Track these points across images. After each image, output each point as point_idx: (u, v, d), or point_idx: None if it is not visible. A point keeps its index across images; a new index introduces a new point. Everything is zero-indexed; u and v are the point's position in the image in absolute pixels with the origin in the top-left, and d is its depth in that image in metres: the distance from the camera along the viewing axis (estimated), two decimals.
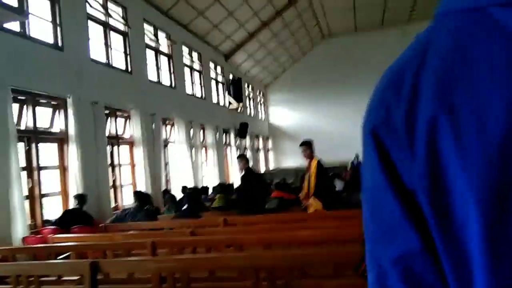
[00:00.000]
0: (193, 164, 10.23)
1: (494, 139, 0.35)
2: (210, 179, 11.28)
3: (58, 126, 6.40)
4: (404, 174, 0.41)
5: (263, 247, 3.01)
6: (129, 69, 8.45)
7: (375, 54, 17.68)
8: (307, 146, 5.49)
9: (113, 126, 7.83)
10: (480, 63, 0.37)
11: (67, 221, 5.04)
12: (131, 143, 8.21)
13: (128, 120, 8.22)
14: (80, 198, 5.52)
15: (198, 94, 11.94)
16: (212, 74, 13.27)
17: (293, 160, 18.23)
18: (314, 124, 18.35)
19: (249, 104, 17.09)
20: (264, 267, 2.26)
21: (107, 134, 7.42)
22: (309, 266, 2.36)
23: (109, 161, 7.40)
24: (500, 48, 0.37)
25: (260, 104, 19.12)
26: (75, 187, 6.21)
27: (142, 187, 8.03)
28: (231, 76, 14.40)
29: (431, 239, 0.40)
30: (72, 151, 6.31)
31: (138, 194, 5.38)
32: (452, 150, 0.37)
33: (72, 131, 6.34)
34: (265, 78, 18.68)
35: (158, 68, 9.68)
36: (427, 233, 0.40)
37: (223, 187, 7.47)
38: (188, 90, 11.21)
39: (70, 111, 6.37)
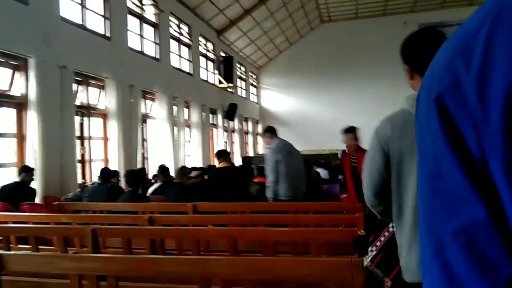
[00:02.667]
0: (174, 143, 9.58)
1: None
2: (193, 160, 10.65)
3: (17, 90, 5.70)
4: (472, 142, 0.40)
5: (228, 245, 2.42)
6: (108, 34, 7.71)
7: (375, 43, 17.04)
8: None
9: (84, 95, 7.12)
10: None
11: (5, 196, 4.41)
12: (104, 116, 7.53)
13: (102, 90, 7.52)
14: (24, 170, 4.87)
15: (185, 69, 11.21)
16: (202, 50, 12.52)
17: None
18: (307, 110, 17.73)
19: (240, 85, 16.38)
20: (217, 275, 1.66)
21: (77, 103, 6.73)
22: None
23: (77, 133, 6.72)
24: None
25: (252, 86, 18.41)
26: (32, 158, 5.55)
27: (114, 163, 7.39)
28: (222, 54, 13.65)
29: (498, 210, 0.39)
30: (32, 119, 5.62)
31: (103, 171, 4.74)
32: None
33: (33, 96, 5.64)
34: (259, 59, 17.92)
35: (141, 37, 8.94)
36: (494, 204, 0.40)
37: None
38: (174, 64, 10.48)
39: (32, 74, 5.66)
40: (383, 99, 16.18)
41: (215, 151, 12.91)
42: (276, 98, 18.84)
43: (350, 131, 4.41)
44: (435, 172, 0.44)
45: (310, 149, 14.52)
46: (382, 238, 3.25)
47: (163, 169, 5.43)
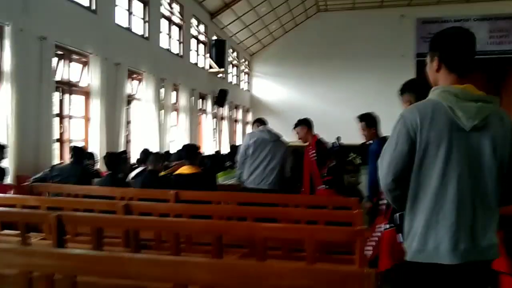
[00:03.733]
0: (160, 127, 9.20)
1: None
2: (179, 146, 10.26)
3: None
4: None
5: (212, 238, 2.11)
6: (94, 7, 7.24)
7: (371, 36, 16.74)
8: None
9: (66, 71, 6.69)
10: None
11: None
12: (87, 94, 7.10)
13: (86, 67, 7.08)
14: None
15: (175, 51, 10.76)
16: (194, 32, 12.07)
17: None
18: (298, 101, 17.38)
19: (232, 71, 15.96)
20: (195, 282, 1.36)
21: (57, 78, 6.30)
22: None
23: (56, 111, 6.31)
24: None
25: (244, 73, 18.00)
26: (5, 135, 5.15)
27: (95, 145, 7.00)
28: (214, 37, 13.20)
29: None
30: (5, 92, 5.20)
31: (75, 150, 4.35)
32: None
33: (7, 67, 5.22)
34: (252, 46, 17.49)
35: (130, 13, 8.48)
36: None
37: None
38: (164, 44, 10.04)
39: (7, 43, 5.23)
40: (375, 93, 15.97)
41: (202, 138, 12.65)
42: (268, 87, 18.47)
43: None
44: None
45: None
46: (376, 238, 2.99)
47: (147, 154, 5.08)
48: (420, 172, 1.60)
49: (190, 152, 3.99)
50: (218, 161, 7.83)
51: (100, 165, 6.07)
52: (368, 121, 3.91)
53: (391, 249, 2.40)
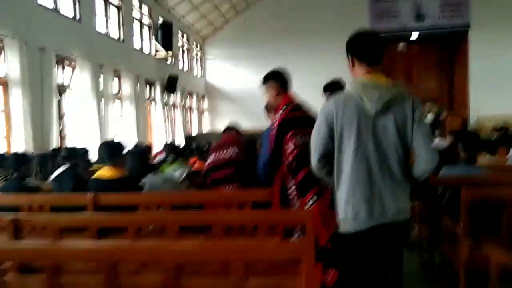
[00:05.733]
0: (101, 119, 8.30)
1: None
2: (125, 138, 9.40)
3: None
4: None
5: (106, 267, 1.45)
6: None
7: (326, 14, 16.27)
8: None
9: None
10: None
11: None
12: (4, 84, 6.13)
13: (2, 53, 6.10)
14: None
15: (114, 35, 9.78)
16: (136, 14, 11.08)
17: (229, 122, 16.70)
18: (256, 86, 16.52)
19: (182, 57, 15.05)
20: None
21: None
22: None
23: None
24: None
25: (197, 59, 17.10)
26: None
27: (19, 143, 6.09)
28: (161, 20, 12.25)
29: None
30: None
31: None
32: None
33: None
34: (204, 28, 16.59)
35: None
36: None
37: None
38: (100, 28, 9.05)
39: None
40: (336, 72, 15.53)
41: (152, 129, 11.77)
42: (223, 72, 17.64)
43: None
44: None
45: (261, 126, 13.66)
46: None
47: (70, 152, 4.30)
48: (339, 153, 1.95)
49: (111, 150, 3.24)
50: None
51: None
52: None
53: (323, 222, 2.44)
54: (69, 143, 7.56)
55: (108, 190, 3.02)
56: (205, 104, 17.46)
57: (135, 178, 3.31)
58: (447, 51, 16.61)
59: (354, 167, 1.88)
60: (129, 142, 8.30)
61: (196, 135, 15.14)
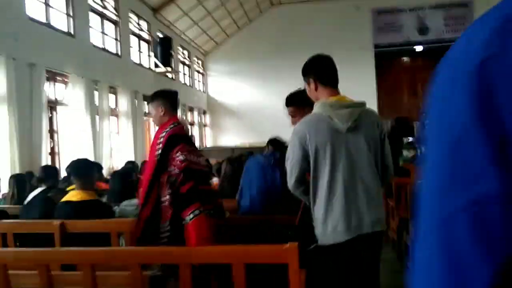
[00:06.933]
0: (95, 135, 8.06)
1: None
2: (122, 155, 9.15)
3: None
4: (508, 118, 0.37)
5: None
6: None
7: (328, 28, 16.08)
8: None
9: None
10: None
11: None
12: None
13: None
14: None
15: (111, 49, 9.62)
16: (134, 29, 10.94)
17: (232, 138, 16.46)
18: (258, 100, 16.52)
19: (184, 72, 14.90)
20: None
21: None
22: None
23: None
24: None
25: (198, 74, 16.96)
26: None
27: (4, 161, 5.84)
28: (160, 35, 12.11)
29: None
30: None
31: None
32: None
33: None
34: (205, 44, 16.48)
35: (47, 5, 7.29)
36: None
37: None
38: (96, 42, 8.89)
39: None
40: (338, 87, 15.32)
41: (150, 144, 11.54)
42: (225, 87, 17.46)
43: None
44: (455, 140, 0.41)
45: (262, 141, 13.36)
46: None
47: (47, 170, 4.01)
48: (315, 172, 2.02)
49: (80, 169, 2.94)
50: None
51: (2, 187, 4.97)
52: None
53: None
54: (62, 160, 7.30)
55: (77, 214, 2.71)
56: (207, 119, 17.24)
57: (103, 202, 3.00)
58: None
59: (330, 183, 1.98)
60: (122, 160, 8.04)
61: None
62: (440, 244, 0.40)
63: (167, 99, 2.65)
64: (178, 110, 2.78)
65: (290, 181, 2.06)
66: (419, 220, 0.44)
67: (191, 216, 2.27)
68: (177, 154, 2.36)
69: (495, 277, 0.38)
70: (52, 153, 7.22)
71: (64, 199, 2.86)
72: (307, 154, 2.00)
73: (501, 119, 0.38)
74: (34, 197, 3.46)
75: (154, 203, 2.34)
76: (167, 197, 2.33)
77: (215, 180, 5.06)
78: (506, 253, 0.38)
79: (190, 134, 2.56)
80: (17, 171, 5.61)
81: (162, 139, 2.46)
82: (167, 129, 2.50)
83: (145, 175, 2.54)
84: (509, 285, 0.38)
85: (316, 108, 2.10)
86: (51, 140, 7.16)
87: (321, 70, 2.15)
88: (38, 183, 3.89)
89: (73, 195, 2.83)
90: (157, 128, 2.66)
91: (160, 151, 2.43)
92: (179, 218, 2.30)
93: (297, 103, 2.62)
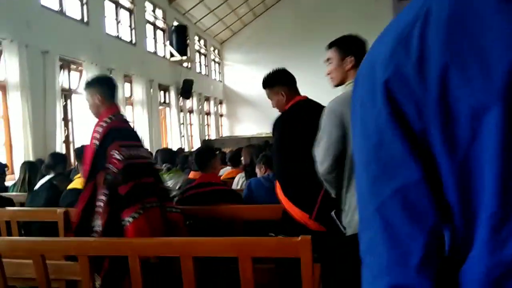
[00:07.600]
0: None
1: (495, 73, 0.44)
2: None
3: None
4: (412, 116, 0.49)
5: None
6: None
7: (347, 16, 15.65)
8: None
9: None
10: (481, 13, 0.46)
11: None
12: (3, 88, 5.89)
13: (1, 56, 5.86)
14: None
15: (126, 38, 9.53)
16: (149, 17, 10.83)
17: (248, 127, 16.31)
18: None
19: (200, 61, 14.76)
20: None
21: None
22: None
23: None
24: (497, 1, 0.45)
25: (214, 63, 16.80)
26: None
27: (19, 149, 5.82)
28: (175, 24, 11.97)
29: (430, 172, 0.49)
30: None
31: None
32: (460, 84, 0.46)
33: None
34: (221, 32, 16.28)
35: None
36: (426, 168, 0.49)
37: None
38: (110, 30, 8.80)
39: None
40: None
41: (168, 134, 11.47)
42: (242, 76, 17.27)
43: None
44: (376, 142, 0.52)
45: None
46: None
47: (55, 158, 3.92)
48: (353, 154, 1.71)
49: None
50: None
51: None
52: None
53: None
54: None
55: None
56: (223, 108, 17.12)
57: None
58: None
59: None
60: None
61: (214, 139, 14.79)
62: (380, 225, 0.51)
63: (105, 86, 2.44)
64: (116, 98, 2.52)
65: (323, 164, 1.86)
66: (360, 210, 0.55)
67: (130, 219, 2.05)
68: (114, 152, 2.13)
69: (428, 241, 0.49)
70: (67, 141, 7.20)
71: (70, 186, 2.75)
72: (344, 134, 1.80)
73: (407, 120, 0.49)
74: (42, 185, 3.38)
75: (89, 196, 2.11)
76: (103, 197, 2.08)
77: (228, 169, 4.92)
78: (432, 221, 0.49)
79: (131, 125, 2.25)
80: (31, 159, 5.59)
81: (101, 132, 2.22)
82: (106, 121, 2.27)
83: (85, 164, 2.31)
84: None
85: (349, 87, 1.98)
86: (65, 128, 7.13)
87: (362, 53, 2.04)
88: (46, 170, 3.81)
89: (79, 182, 2.72)
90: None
91: (98, 143, 2.19)
92: (117, 217, 2.08)
93: (268, 85, 2.56)
